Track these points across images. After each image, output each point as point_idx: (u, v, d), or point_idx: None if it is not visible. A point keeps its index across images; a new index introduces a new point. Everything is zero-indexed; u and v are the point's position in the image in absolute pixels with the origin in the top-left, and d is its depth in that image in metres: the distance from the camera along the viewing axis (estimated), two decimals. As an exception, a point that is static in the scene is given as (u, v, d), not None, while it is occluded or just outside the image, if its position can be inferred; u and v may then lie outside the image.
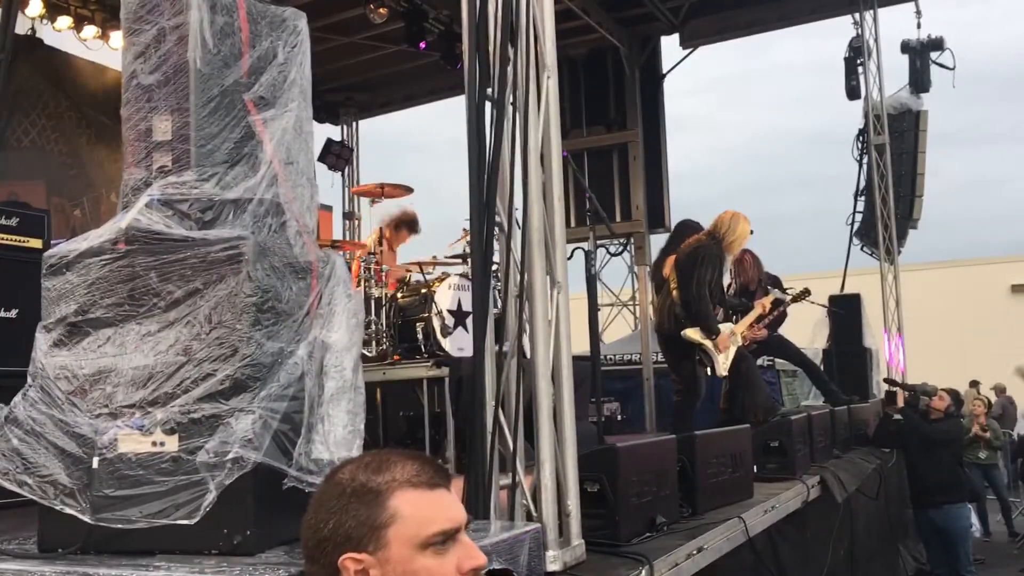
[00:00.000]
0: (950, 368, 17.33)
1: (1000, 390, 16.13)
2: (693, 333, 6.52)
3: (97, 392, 2.62)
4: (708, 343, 6.50)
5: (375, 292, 6.55)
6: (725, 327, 6.62)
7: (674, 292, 6.66)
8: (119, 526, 2.54)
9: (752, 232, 6.97)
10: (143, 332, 2.60)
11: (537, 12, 3.61)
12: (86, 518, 2.57)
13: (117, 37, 9.43)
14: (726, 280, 7.14)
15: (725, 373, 6.58)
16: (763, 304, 7.14)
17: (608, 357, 10.51)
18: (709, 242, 6.64)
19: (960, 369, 17.91)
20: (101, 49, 9.72)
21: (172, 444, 2.53)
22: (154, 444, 2.54)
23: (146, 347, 2.58)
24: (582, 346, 6.67)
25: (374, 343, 6.43)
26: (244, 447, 2.46)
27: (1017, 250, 29.04)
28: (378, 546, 1.45)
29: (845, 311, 10.07)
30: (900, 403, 9.32)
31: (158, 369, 2.56)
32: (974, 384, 15.61)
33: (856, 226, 11.55)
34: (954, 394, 12.77)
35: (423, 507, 1.47)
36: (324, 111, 12.68)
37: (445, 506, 1.51)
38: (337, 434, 2.58)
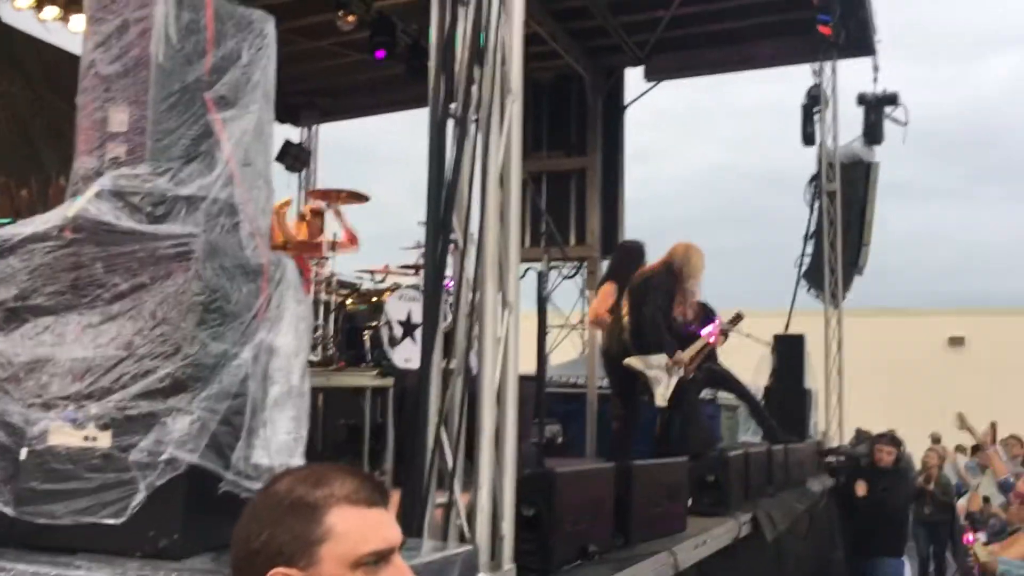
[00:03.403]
0: (886, 415, 17.65)
1: (935, 439, 16.39)
2: (635, 362, 6.55)
3: (31, 381, 2.56)
4: (649, 373, 6.52)
5: (324, 297, 6.50)
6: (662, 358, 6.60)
7: (625, 319, 6.69)
8: (42, 521, 2.48)
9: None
10: (84, 323, 2.55)
11: (506, 35, 3.63)
12: (8, 511, 2.50)
13: (77, 20, 9.26)
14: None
15: (663, 404, 6.57)
16: (712, 334, 7.14)
17: (553, 378, 10.52)
18: (662, 271, 6.71)
19: (896, 416, 18.23)
20: (60, 31, 9.55)
21: (104, 440, 2.48)
22: (86, 439, 2.49)
23: (86, 339, 2.53)
24: (529, 365, 6.68)
25: (320, 348, 6.37)
26: (179, 448, 2.42)
27: (955, 303, 29.80)
28: (310, 562, 1.42)
29: (788, 351, 10.21)
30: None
31: (97, 362, 2.51)
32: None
33: (804, 268, 11.74)
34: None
35: (359, 525, 1.45)
36: (285, 112, 12.58)
37: (381, 525, 1.49)
38: (279, 440, 2.55)
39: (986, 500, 7.89)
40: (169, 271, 2.53)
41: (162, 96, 2.76)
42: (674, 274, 6.68)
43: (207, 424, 2.46)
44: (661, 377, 6.51)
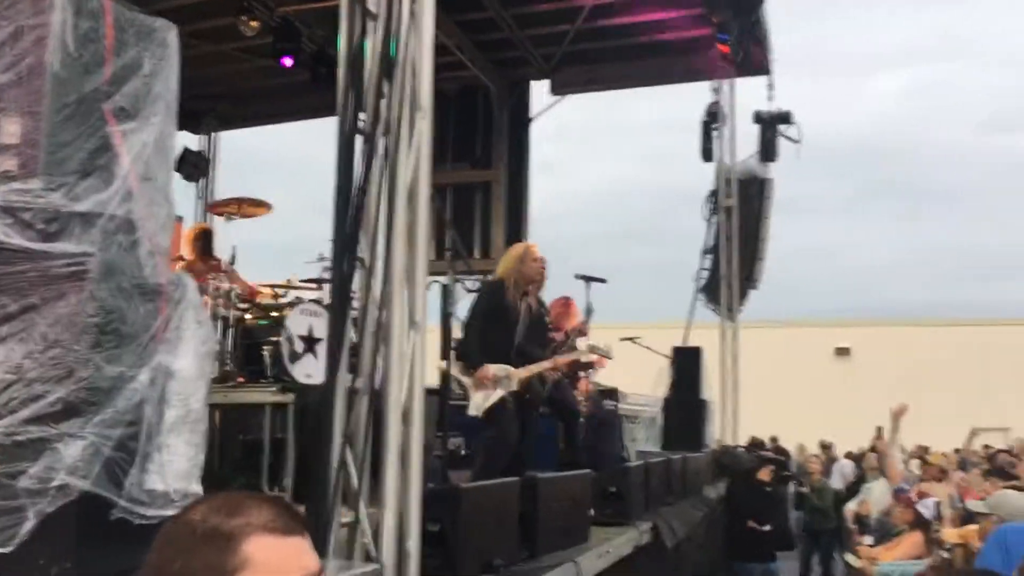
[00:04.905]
0: (777, 423, 18.26)
1: (824, 446, 17.03)
2: (453, 370, 6.39)
3: (-87, 408, 2.42)
4: (466, 379, 6.35)
5: (222, 311, 6.34)
6: (499, 368, 6.15)
7: None
8: (-78, 552, 2.35)
9: (540, 262, 6.52)
10: (-30, 346, 2.43)
11: (415, 51, 3.63)
12: None
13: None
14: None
15: (477, 414, 6.15)
16: (556, 362, 6.55)
17: (456, 392, 10.50)
18: (486, 283, 6.62)
19: (787, 424, 18.88)
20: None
21: (-9, 467, 2.37)
22: (-29, 466, 2.37)
23: (-28, 362, 2.42)
24: (433, 379, 6.61)
25: (218, 364, 6.21)
26: (71, 474, 2.34)
27: (842, 315, 31.11)
28: None
29: (686, 363, 10.44)
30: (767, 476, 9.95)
31: (-17, 386, 2.40)
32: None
33: (702, 282, 12.03)
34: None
35: (276, 554, 1.44)
36: (184, 119, 12.23)
37: (299, 554, 1.48)
38: (176, 465, 2.48)
39: None
40: (62, 292, 2.43)
41: (58, 107, 2.66)
42: (501, 283, 6.38)
43: (100, 449, 2.38)
44: (479, 387, 6.14)
